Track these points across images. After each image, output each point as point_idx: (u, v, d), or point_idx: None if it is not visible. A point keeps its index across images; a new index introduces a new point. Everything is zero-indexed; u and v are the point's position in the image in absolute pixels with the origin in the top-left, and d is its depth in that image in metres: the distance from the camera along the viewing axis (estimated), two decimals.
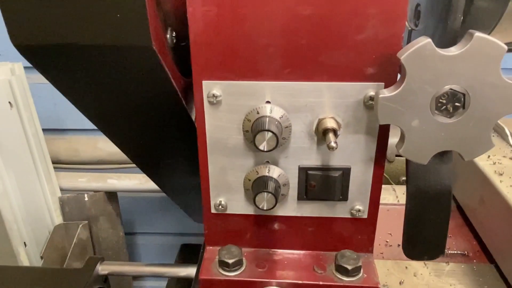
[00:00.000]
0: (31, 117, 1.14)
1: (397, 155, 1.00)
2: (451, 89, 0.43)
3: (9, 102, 1.07)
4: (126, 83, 0.49)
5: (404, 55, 0.42)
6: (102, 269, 0.63)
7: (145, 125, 0.58)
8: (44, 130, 1.20)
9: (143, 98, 0.52)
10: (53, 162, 1.26)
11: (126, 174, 1.31)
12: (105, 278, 0.64)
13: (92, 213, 1.30)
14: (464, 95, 0.43)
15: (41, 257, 1.18)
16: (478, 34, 0.41)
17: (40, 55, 0.44)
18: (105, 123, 0.56)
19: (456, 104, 0.44)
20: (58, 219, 1.26)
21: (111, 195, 1.34)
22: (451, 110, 0.44)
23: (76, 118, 1.42)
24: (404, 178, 0.99)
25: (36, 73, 1.31)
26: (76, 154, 1.38)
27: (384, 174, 1.00)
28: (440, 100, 0.44)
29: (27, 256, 1.13)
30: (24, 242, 1.13)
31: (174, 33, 0.50)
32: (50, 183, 1.22)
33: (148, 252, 1.70)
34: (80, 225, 1.23)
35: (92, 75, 0.47)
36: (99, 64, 0.45)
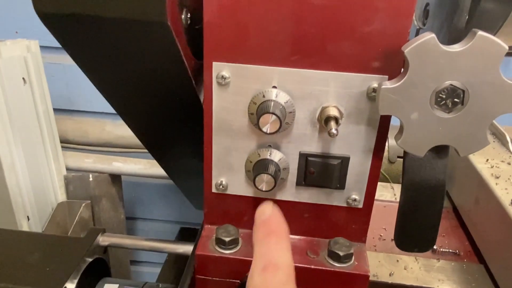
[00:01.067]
0: (43, 94, 1.17)
1: (398, 156, 1.01)
2: (451, 84, 0.45)
3: (23, 78, 1.09)
4: (140, 59, 0.50)
5: (408, 49, 0.44)
6: (103, 240, 0.65)
7: (155, 104, 0.60)
8: (54, 109, 1.22)
9: (155, 75, 0.53)
10: (61, 141, 1.29)
11: (131, 158, 1.34)
12: (105, 250, 0.66)
13: (96, 194, 1.32)
14: (463, 91, 0.45)
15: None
16: (481, 32, 0.42)
17: (59, 24, 0.46)
18: (117, 98, 0.58)
19: (455, 100, 0.45)
20: (62, 197, 1.28)
21: (115, 178, 1.36)
22: (450, 106, 0.46)
23: (87, 100, 1.45)
24: None
25: (50, 53, 1.33)
26: (84, 135, 1.41)
27: (385, 174, 1.01)
28: (440, 95, 0.45)
29: (29, 229, 1.16)
30: (28, 216, 1.15)
31: (189, 14, 0.52)
32: (56, 161, 1.25)
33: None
34: (83, 204, 1.25)
35: (108, 48, 0.49)
36: (116, 38, 0.47)
